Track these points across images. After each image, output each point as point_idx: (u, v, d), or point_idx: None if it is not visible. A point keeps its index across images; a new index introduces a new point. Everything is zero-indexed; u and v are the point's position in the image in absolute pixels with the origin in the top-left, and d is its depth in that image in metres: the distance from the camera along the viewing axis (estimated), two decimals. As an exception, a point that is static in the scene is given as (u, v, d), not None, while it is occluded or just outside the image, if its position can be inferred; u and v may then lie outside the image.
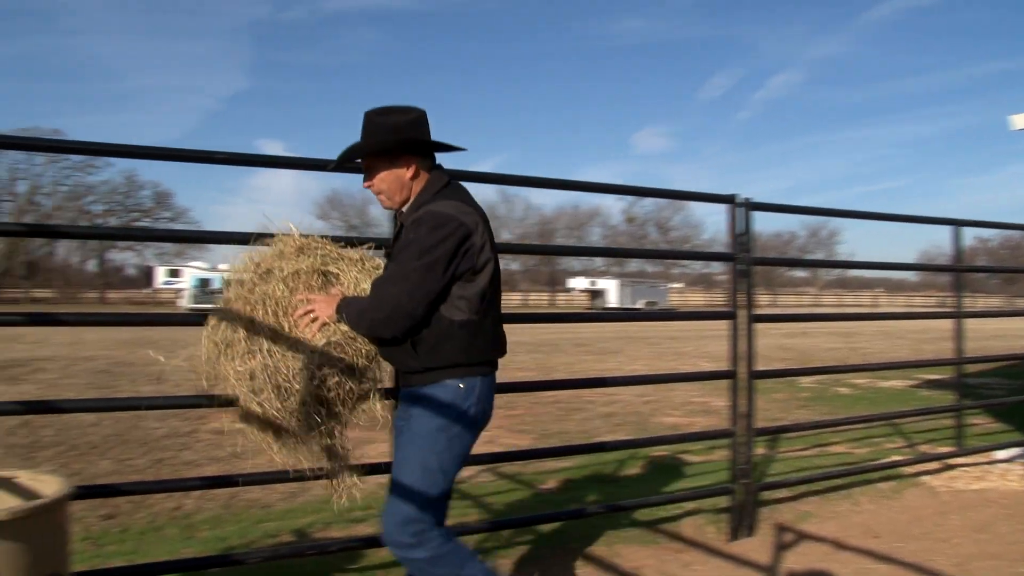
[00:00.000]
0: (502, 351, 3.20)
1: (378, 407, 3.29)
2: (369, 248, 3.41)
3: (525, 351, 19.97)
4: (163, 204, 69.53)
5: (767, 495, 5.63)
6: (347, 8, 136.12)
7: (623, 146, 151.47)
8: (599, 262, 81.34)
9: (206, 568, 3.98)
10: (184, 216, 68.17)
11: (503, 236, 79.32)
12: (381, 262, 3.34)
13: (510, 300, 79.87)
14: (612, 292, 61.37)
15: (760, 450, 7.21)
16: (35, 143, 4.02)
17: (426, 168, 3.10)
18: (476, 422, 3.07)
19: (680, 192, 5.92)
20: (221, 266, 56.09)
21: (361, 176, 3.22)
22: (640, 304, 60.74)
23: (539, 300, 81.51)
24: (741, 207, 5.12)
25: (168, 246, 62.20)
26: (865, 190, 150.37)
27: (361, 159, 3.15)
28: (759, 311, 5.23)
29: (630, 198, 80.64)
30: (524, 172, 5.01)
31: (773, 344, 22.42)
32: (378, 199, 3.15)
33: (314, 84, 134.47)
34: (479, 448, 8.07)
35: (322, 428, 3.15)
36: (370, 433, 8.60)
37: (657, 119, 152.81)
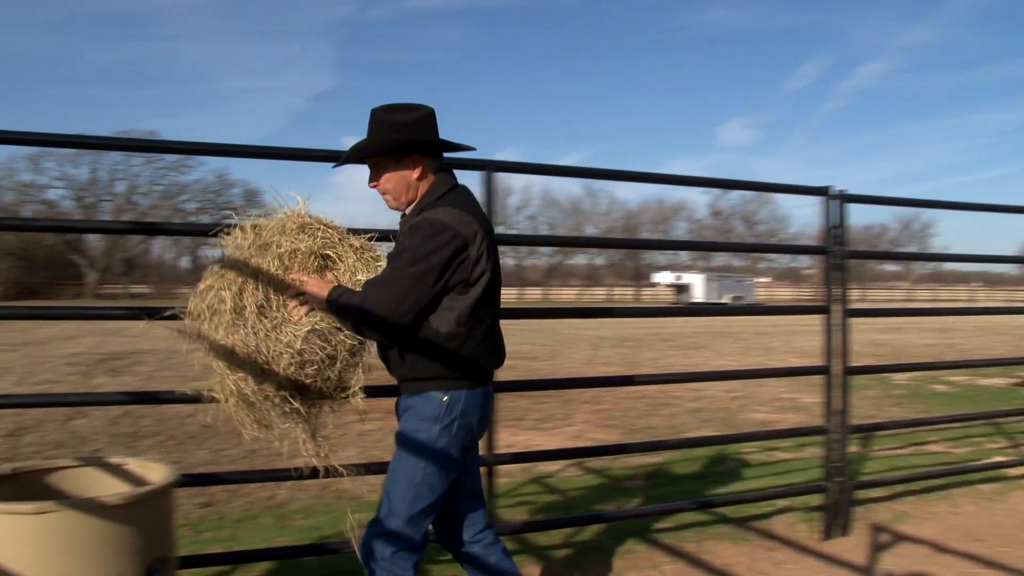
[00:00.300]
0: (495, 362, 3.08)
1: (358, 401, 3.16)
2: (372, 238, 3.27)
3: (610, 346, 19.88)
4: (252, 201, 71.15)
5: (862, 494, 5.49)
6: (430, 5, 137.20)
7: (708, 139, 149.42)
8: (684, 256, 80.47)
9: (300, 556, 4.07)
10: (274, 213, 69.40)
11: (587, 231, 79.18)
12: (383, 252, 3.23)
13: (595, 295, 79.73)
14: (698, 287, 60.60)
15: (853, 448, 7.03)
16: (133, 144, 4.18)
17: (433, 169, 3.02)
18: (460, 436, 2.94)
19: (771, 185, 5.79)
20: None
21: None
22: (726, 299, 59.82)
23: (623, 295, 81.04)
24: (835, 199, 5.00)
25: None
26: (961, 180, 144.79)
27: (367, 158, 3.06)
28: (851, 306, 5.09)
29: (715, 192, 79.62)
30: (608, 166, 4.96)
31: (865, 340, 21.82)
32: (384, 199, 3.06)
33: (397, 81, 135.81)
34: (565, 442, 8.08)
35: (297, 413, 3.09)
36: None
37: (743, 111, 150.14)
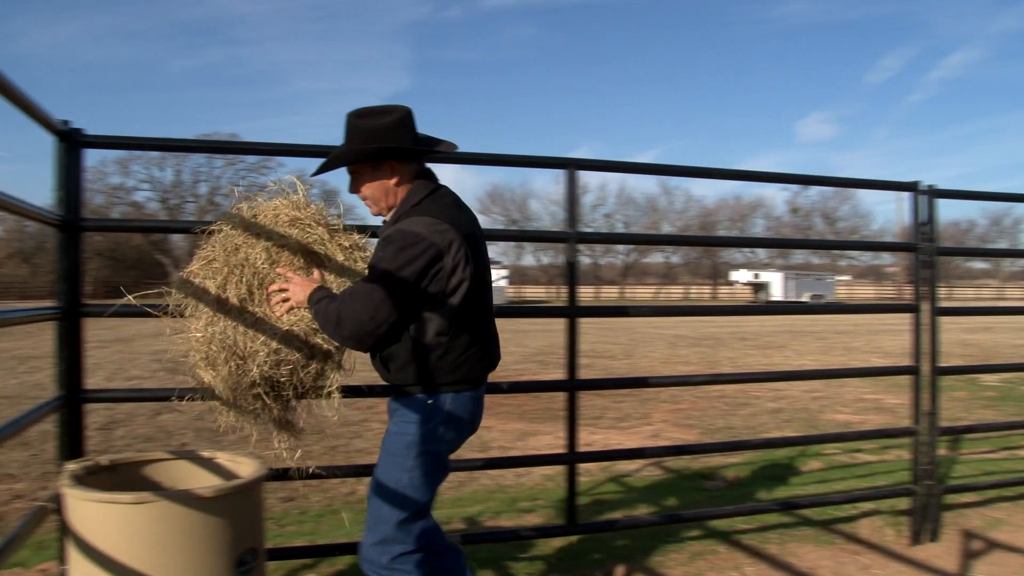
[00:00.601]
0: (484, 367, 3.00)
1: (333, 401, 3.08)
2: (364, 237, 3.19)
3: (687, 345, 19.68)
4: (330, 201, 72.07)
5: (952, 498, 5.34)
6: (504, 4, 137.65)
7: (786, 134, 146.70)
8: (762, 254, 79.21)
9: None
10: (351, 212, 70.60)
11: (663, 228, 78.51)
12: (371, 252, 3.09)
13: (671, 293, 79.04)
14: (776, 285, 59.60)
15: (942, 451, 6.85)
16: (216, 146, 4.28)
17: (411, 173, 2.92)
18: (446, 439, 2.90)
19: (857, 180, 5.59)
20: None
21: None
22: (805, 297, 58.72)
23: (700, 293, 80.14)
24: (924, 194, 4.86)
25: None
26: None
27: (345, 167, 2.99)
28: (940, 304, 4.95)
29: (794, 188, 78.24)
30: (684, 163, 4.89)
31: (953, 340, 21.19)
32: (365, 204, 3.01)
33: (472, 81, 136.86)
34: (643, 441, 8.02)
35: (270, 409, 3.03)
36: (533, 425, 8.71)
37: (822, 105, 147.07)
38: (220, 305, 2.93)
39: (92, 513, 2.58)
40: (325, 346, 2.99)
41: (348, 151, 2.89)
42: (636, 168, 4.16)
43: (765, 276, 61.64)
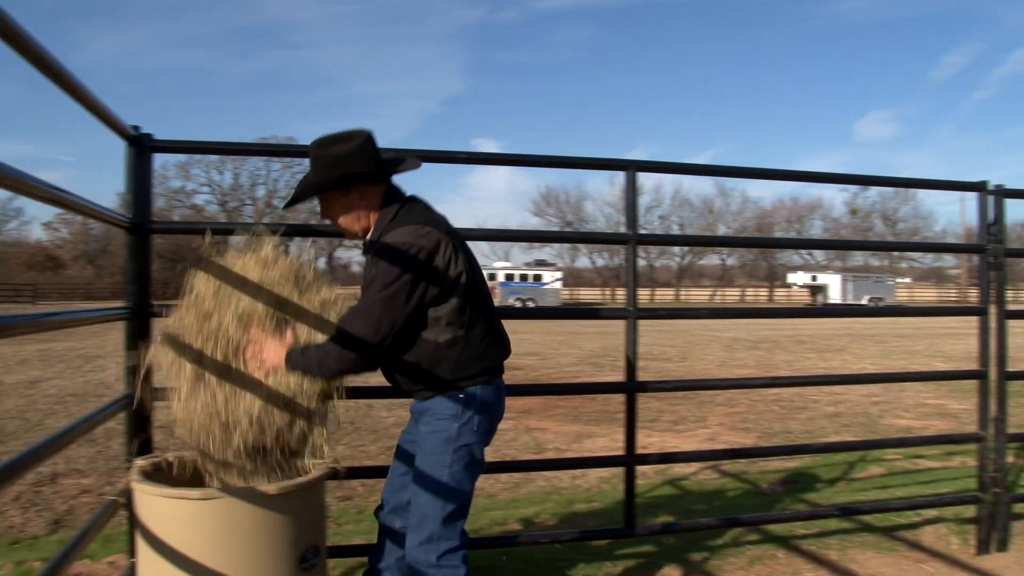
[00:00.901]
0: (500, 355, 3.04)
1: (322, 455, 2.98)
2: (336, 291, 3.08)
3: (744, 348, 19.49)
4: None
5: (1021, 507, 5.21)
6: (559, 5, 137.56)
7: (845, 134, 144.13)
8: (820, 257, 78.08)
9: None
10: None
11: (719, 230, 77.78)
12: (346, 307, 2.99)
13: (727, 296, 78.25)
14: (834, 287, 58.67)
15: (1008, 458, 6.69)
16: (276, 149, 4.36)
17: (380, 194, 2.93)
18: (480, 431, 2.93)
19: (921, 181, 5.45)
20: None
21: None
22: (864, 300, 57.70)
23: (757, 296, 79.23)
24: (992, 194, 4.75)
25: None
26: None
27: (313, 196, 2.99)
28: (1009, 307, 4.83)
29: (852, 189, 77.02)
30: (740, 164, 4.83)
31: (1021, 344, 20.68)
32: (341, 231, 3.05)
33: (527, 83, 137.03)
34: (699, 444, 7.94)
35: (258, 474, 2.92)
36: (588, 427, 8.69)
37: (882, 103, 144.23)
38: (198, 378, 2.85)
39: (160, 508, 2.64)
40: (308, 405, 2.90)
41: (315, 181, 2.89)
42: (696, 169, 4.12)
43: (823, 278, 60.73)
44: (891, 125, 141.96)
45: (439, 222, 2.91)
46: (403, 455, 3.15)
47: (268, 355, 2.83)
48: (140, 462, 2.99)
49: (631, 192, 3.95)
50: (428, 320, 2.81)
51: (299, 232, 3.59)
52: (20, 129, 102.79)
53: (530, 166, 4.04)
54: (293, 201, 3.01)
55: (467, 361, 2.87)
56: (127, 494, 2.96)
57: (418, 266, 2.73)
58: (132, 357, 3.33)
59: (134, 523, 2.87)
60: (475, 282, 2.93)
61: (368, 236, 2.96)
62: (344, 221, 2.96)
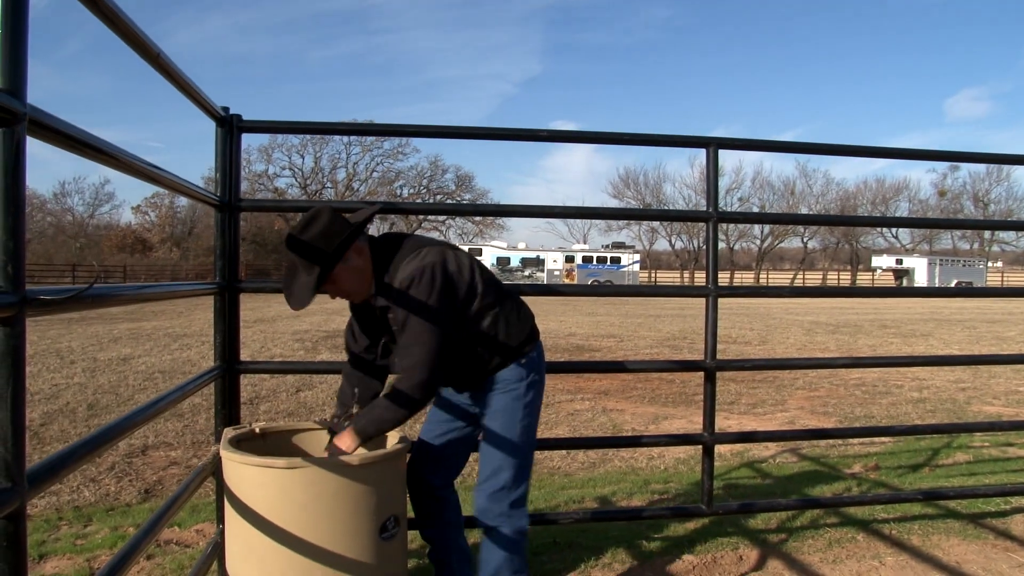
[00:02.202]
0: (532, 317, 3.22)
1: None
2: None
3: (825, 332, 19.12)
4: (464, 186, 73.60)
5: (1116, 497, 5.03)
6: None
7: (935, 114, 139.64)
8: (906, 239, 75.97)
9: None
10: (485, 197, 71.94)
11: (800, 210, 76.15)
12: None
13: (809, 279, 76.67)
14: (920, 271, 57.13)
15: (1104, 446, 6.47)
16: (362, 129, 4.44)
17: (364, 244, 2.91)
18: (540, 388, 3.14)
19: (1016, 157, 5.19)
20: (520, 244, 58.71)
21: None
22: (953, 285, 56.05)
23: (839, 280, 77.51)
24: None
25: (469, 226, 67.02)
26: None
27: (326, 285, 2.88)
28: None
29: (941, 169, 74.64)
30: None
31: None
32: (349, 299, 3.01)
33: (604, 64, 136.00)
34: (779, 427, 7.82)
35: None
36: (665, 409, 8.66)
37: (976, 80, 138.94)
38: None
39: (248, 476, 2.73)
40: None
41: (323, 263, 2.78)
42: (778, 146, 4.05)
43: (909, 262, 59.18)
44: (985, 103, 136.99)
45: (421, 238, 3.03)
46: (445, 412, 3.29)
47: (343, 449, 2.86)
48: (229, 432, 3.09)
49: (712, 169, 3.91)
50: (467, 319, 2.97)
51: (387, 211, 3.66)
52: (113, 118, 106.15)
53: (610, 143, 4.03)
54: (308, 300, 2.77)
55: (513, 332, 3.05)
56: (216, 462, 3.07)
57: (442, 279, 2.85)
58: (220, 329, 3.45)
59: (222, 491, 2.98)
60: (481, 266, 3.09)
61: (374, 291, 2.95)
62: (356, 286, 2.92)
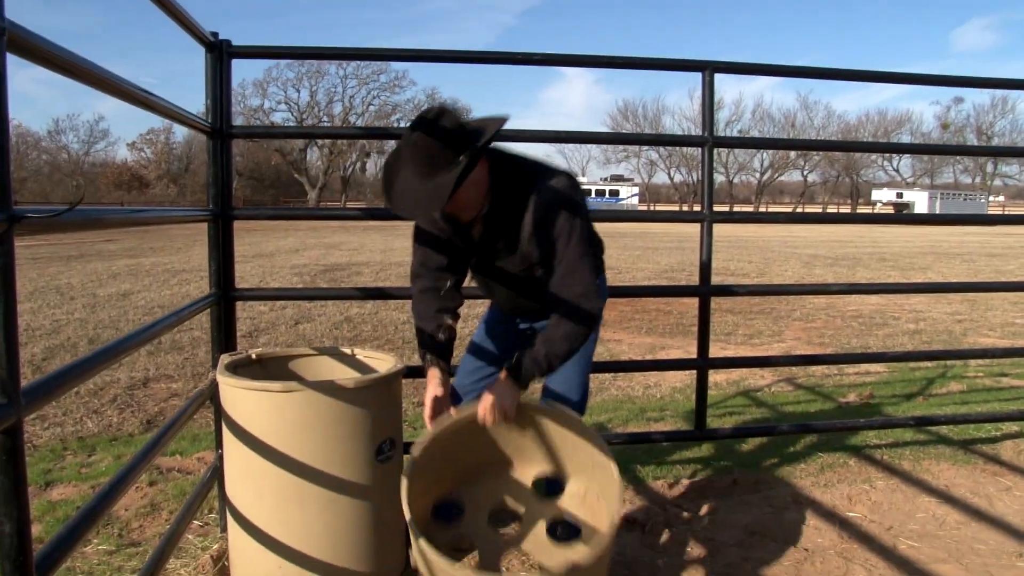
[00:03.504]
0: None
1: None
2: None
3: (824, 265, 19.12)
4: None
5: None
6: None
7: (940, 45, 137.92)
8: (907, 173, 75.59)
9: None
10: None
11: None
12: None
13: (809, 213, 76.43)
14: (921, 205, 56.97)
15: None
16: (354, 53, 4.40)
17: (484, 154, 2.60)
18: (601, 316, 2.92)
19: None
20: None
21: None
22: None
23: (839, 214, 77.25)
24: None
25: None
26: None
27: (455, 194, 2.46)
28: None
29: (944, 102, 73.89)
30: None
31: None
32: (460, 216, 2.66)
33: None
34: (779, 351, 7.82)
35: None
36: (662, 339, 8.70)
37: (983, 10, 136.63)
38: None
39: (244, 400, 2.76)
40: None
41: (472, 158, 2.44)
42: (777, 71, 3.98)
43: (909, 196, 58.98)
44: (993, 33, 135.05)
45: (531, 159, 2.76)
46: (502, 341, 3.19)
47: (501, 401, 2.63)
48: (225, 358, 3.11)
49: (708, 93, 3.87)
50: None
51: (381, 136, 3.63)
52: (106, 53, 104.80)
53: (605, 67, 3.97)
54: (445, 197, 2.38)
55: (600, 259, 3.08)
56: (213, 389, 3.10)
57: (583, 206, 2.64)
58: (215, 257, 3.45)
59: (220, 416, 3.01)
60: None
61: (485, 209, 2.67)
62: (472, 198, 2.59)
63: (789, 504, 3.92)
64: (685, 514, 3.79)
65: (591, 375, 3.29)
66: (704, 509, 3.85)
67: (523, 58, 3.63)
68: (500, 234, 2.68)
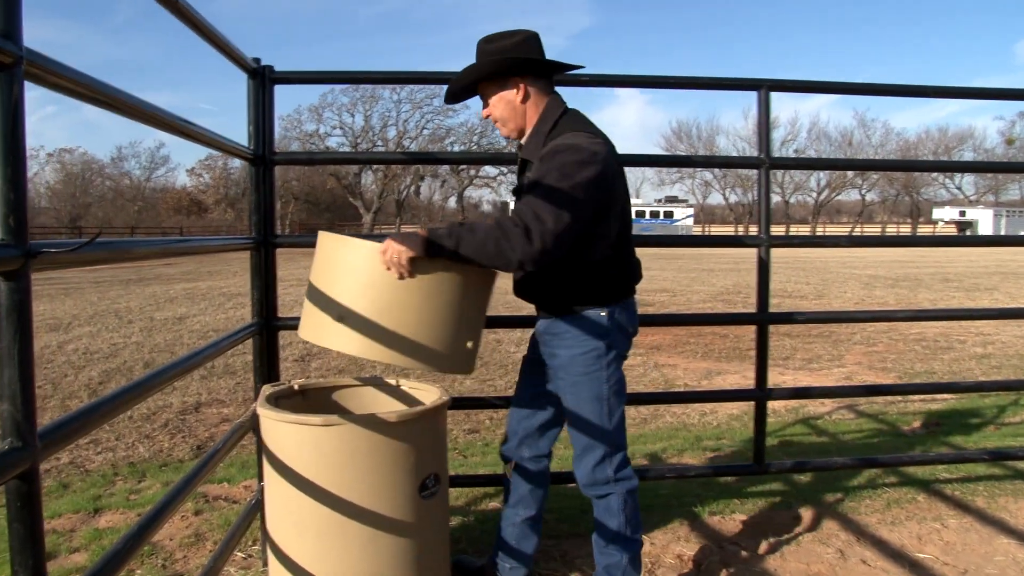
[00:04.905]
0: (639, 277, 2.97)
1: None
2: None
3: (884, 286, 18.69)
4: (514, 142, 73.25)
5: None
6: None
7: (1004, 58, 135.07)
8: (969, 190, 73.94)
9: (565, 483, 4.09)
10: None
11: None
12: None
13: (868, 232, 75.14)
14: (985, 223, 55.58)
15: None
16: (399, 77, 4.36)
17: (538, 92, 2.84)
18: (623, 345, 2.88)
19: None
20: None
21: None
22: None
23: (899, 233, 75.85)
24: None
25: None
26: None
27: (473, 88, 2.92)
28: None
29: (1009, 116, 72.21)
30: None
31: None
32: (496, 127, 2.94)
33: (656, 14, 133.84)
34: (836, 383, 7.63)
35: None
36: (719, 364, 8.51)
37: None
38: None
39: (284, 433, 2.69)
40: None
41: (472, 67, 2.83)
42: (834, 88, 3.84)
43: (972, 214, 57.63)
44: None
45: (605, 138, 2.81)
46: (531, 378, 3.10)
47: (399, 246, 2.48)
48: (267, 389, 3.05)
49: (764, 113, 3.73)
50: (590, 236, 2.70)
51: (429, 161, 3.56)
52: (163, 82, 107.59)
53: (658, 87, 3.87)
54: (453, 88, 2.93)
55: (614, 280, 2.83)
56: (254, 420, 3.04)
57: (595, 171, 2.59)
58: (257, 286, 3.40)
59: (260, 448, 2.94)
60: (626, 206, 2.86)
61: (525, 139, 2.88)
62: (500, 115, 2.88)
63: (853, 543, 3.73)
64: (744, 553, 3.62)
65: (641, 405, 3.15)
66: (763, 548, 3.67)
67: (572, 80, 3.52)
68: (524, 178, 2.86)
